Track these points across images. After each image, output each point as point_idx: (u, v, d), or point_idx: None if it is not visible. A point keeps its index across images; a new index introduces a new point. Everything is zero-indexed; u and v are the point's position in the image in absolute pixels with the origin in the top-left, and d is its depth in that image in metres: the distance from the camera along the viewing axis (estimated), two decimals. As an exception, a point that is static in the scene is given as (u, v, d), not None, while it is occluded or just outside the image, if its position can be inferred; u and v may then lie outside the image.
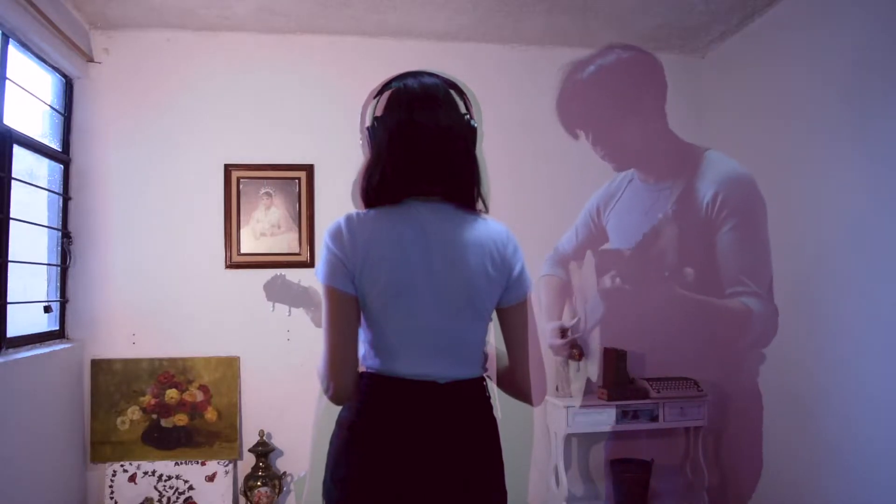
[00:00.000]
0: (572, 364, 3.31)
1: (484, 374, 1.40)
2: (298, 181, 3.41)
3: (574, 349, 3.40)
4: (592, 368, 3.10)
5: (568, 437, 3.42)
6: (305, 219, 3.41)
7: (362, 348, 1.34)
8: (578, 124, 2.98)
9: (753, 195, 2.55)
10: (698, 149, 2.59)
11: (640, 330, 3.61)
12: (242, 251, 3.36)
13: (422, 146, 1.30)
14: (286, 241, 3.40)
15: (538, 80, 3.65)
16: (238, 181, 3.37)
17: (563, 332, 3.22)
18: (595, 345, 3.08)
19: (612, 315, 3.57)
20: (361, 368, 1.34)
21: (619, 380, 3.40)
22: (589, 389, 3.50)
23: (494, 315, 1.40)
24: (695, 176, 2.62)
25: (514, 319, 1.38)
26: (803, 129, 2.99)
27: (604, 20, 3.32)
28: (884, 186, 2.57)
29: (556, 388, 3.41)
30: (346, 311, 1.28)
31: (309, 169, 3.42)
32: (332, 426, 1.36)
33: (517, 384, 1.40)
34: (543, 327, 3.36)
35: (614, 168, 2.91)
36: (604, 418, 3.29)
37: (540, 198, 3.59)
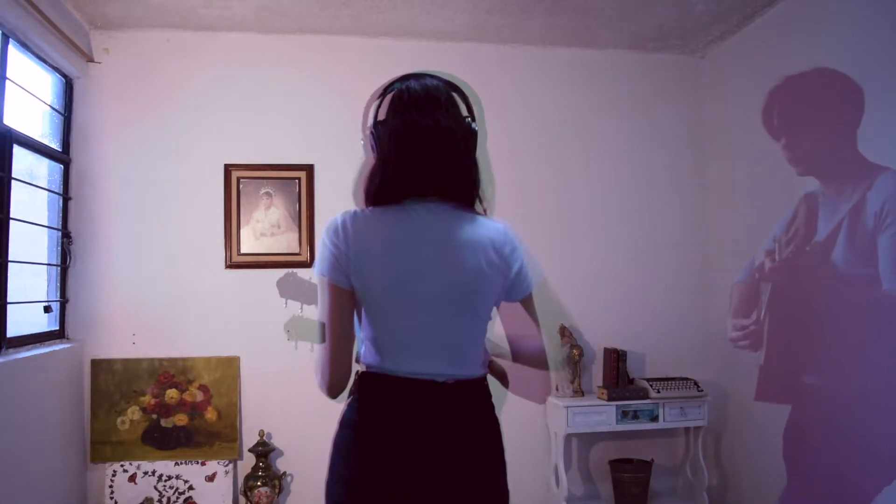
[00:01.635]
0: (748, 355, 3.41)
1: (486, 374, 1.41)
2: (298, 181, 3.41)
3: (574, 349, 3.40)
4: (763, 356, 3.27)
5: (568, 437, 3.42)
6: (305, 219, 3.41)
7: (363, 346, 1.34)
8: (781, 128, 3.06)
9: None
10: (880, 167, 2.65)
11: (641, 330, 3.61)
12: (242, 251, 3.36)
13: (423, 148, 1.31)
14: (286, 241, 3.40)
15: (538, 79, 3.65)
16: (238, 181, 3.37)
17: (742, 327, 3.40)
18: (765, 334, 3.24)
19: (618, 314, 3.60)
20: (362, 367, 1.34)
21: (619, 380, 3.40)
22: (589, 389, 3.51)
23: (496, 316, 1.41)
24: (870, 189, 2.67)
25: (526, 310, 1.42)
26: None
27: (604, 20, 3.32)
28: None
29: (556, 388, 3.41)
30: (342, 304, 1.30)
31: (309, 169, 3.42)
32: (332, 426, 1.36)
33: (540, 357, 1.43)
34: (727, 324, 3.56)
35: (798, 173, 2.99)
36: (604, 418, 3.29)
37: (540, 197, 3.59)
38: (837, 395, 2.77)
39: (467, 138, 1.35)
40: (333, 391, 1.31)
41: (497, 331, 1.48)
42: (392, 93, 1.35)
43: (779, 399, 3.10)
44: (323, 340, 1.30)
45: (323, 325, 1.30)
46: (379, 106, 1.36)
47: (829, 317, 2.83)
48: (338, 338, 1.29)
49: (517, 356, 1.46)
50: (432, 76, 1.38)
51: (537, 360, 1.43)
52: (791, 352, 3.06)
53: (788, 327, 3.09)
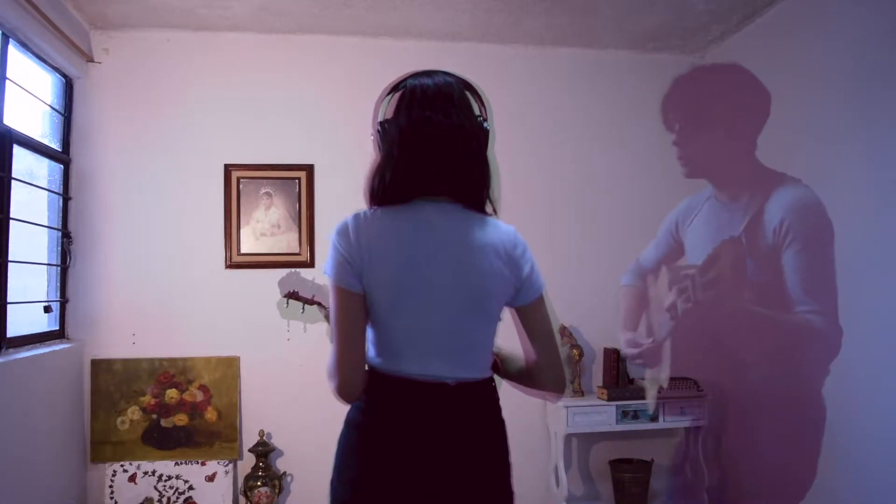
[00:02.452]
0: (648, 371, 3.36)
1: (493, 376, 1.40)
2: (298, 181, 3.41)
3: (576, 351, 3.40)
4: (664, 376, 3.18)
5: (568, 437, 3.42)
6: (305, 219, 3.40)
7: (370, 348, 1.33)
8: (676, 119, 3.04)
9: (821, 221, 2.66)
10: (777, 174, 2.68)
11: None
12: (242, 251, 3.36)
13: (434, 146, 1.29)
14: (286, 241, 3.40)
15: (538, 80, 3.65)
16: (238, 181, 3.37)
17: (635, 345, 3.30)
18: (667, 356, 3.15)
19: (614, 315, 3.59)
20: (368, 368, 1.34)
21: (619, 380, 3.40)
22: (589, 389, 3.51)
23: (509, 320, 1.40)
24: (767, 201, 2.69)
25: (536, 315, 1.38)
26: (803, 129, 2.99)
27: (604, 20, 3.32)
28: (885, 188, 2.56)
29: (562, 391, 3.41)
30: (354, 309, 1.28)
31: (309, 169, 3.42)
32: (332, 426, 1.36)
33: (555, 372, 1.38)
34: (619, 336, 3.51)
35: (685, 174, 2.98)
36: (604, 418, 3.29)
37: (539, 197, 3.59)
38: (753, 411, 2.79)
39: (479, 137, 1.34)
40: (347, 396, 1.30)
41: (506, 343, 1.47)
42: (403, 89, 1.33)
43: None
44: (335, 345, 1.29)
45: (335, 330, 1.29)
46: (389, 102, 1.34)
47: (743, 333, 2.86)
48: (350, 343, 1.28)
49: (530, 375, 1.41)
50: (445, 73, 1.37)
51: (552, 381, 1.39)
52: (703, 371, 3.06)
53: (698, 346, 3.09)
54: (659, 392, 3.28)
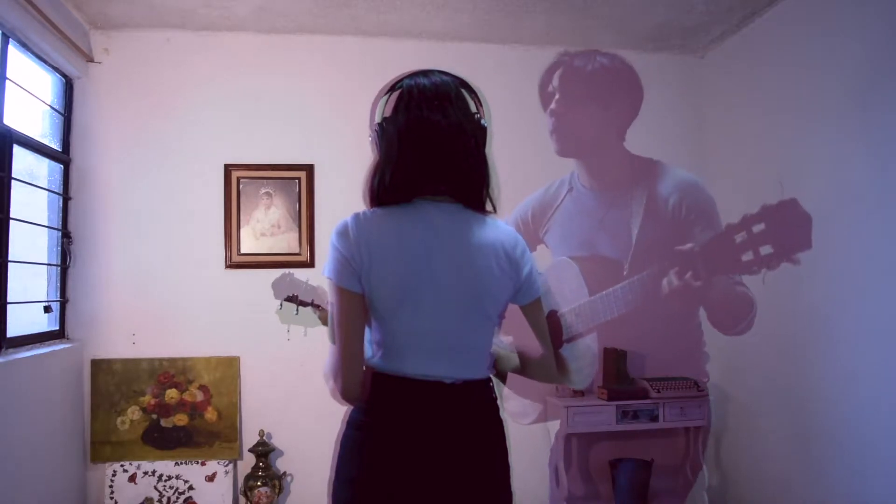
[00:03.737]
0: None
1: (491, 376, 1.40)
2: (298, 181, 3.41)
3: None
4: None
5: (568, 437, 3.41)
6: (305, 219, 3.40)
7: (369, 348, 1.33)
8: (549, 97, 3.13)
9: (707, 196, 2.93)
10: (649, 160, 2.84)
11: (641, 330, 3.61)
12: (242, 251, 3.36)
13: (432, 145, 1.29)
14: (286, 241, 3.40)
15: (538, 80, 3.65)
16: (238, 181, 3.37)
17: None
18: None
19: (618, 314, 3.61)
20: (366, 368, 1.34)
21: (619, 380, 3.40)
22: (589, 389, 3.51)
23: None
24: (654, 183, 2.84)
25: (534, 314, 1.41)
26: (804, 129, 2.99)
27: (603, 20, 3.32)
28: (886, 187, 2.56)
29: (556, 389, 3.41)
30: (354, 309, 1.28)
31: (309, 169, 3.42)
32: (332, 426, 1.35)
33: (549, 368, 1.42)
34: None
35: (556, 151, 3.08)
36: (604, 418, 3.28)
37: (540, 198, 3.59)
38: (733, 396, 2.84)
39: (478, 135, 1.34)
40: (348, 397, 1.30)
41: (505, 340, 1.47)
42: (400, 89, 1.33)
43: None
44: (335, 345, 1.29)
45: (335, 331, 1.29)
46: (386, 102, 1.34)
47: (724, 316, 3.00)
48: (350, 344, 1.28)
49: (525, 368, 1.44)
50: (441, 72, 1.37)
51: (546, 372, 1.43)
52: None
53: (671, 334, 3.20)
54: (598, 385, 3.37)
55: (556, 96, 3.08)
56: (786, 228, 2.77)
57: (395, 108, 1.32)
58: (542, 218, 3.14)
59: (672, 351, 3.20)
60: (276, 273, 1.92)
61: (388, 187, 1.31)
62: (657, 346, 3.20)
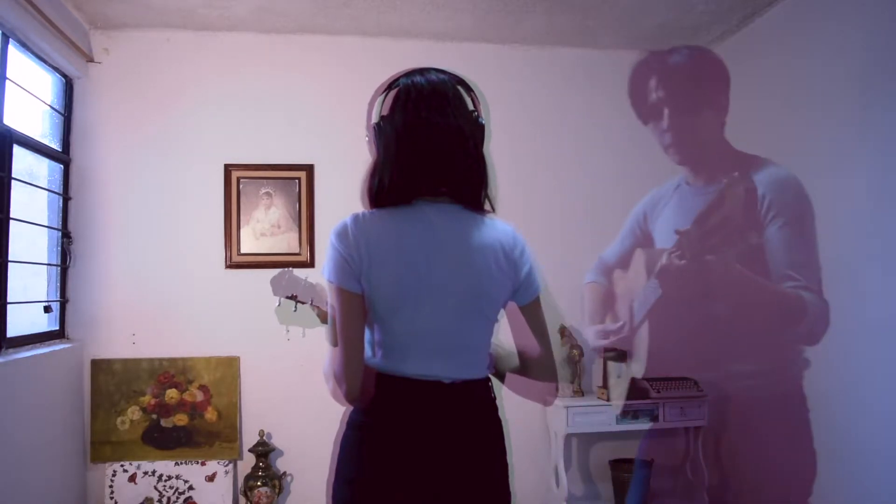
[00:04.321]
0: (613, 367, 3.32)
1: (490, 375, 1.40)
2: (298, 181, 3.41)
3: (574, 348, 3.40)
4: (638, 367, 3.15)
5: (568, 437, 3.41)
6: (305, 219, 3.40)
7: (368, 348, 1.33)
8: (654, 110, 3.02)
9: (801, 197, 2.67)
10: (750, 155, 2.68)
11: (640, 329, 3.61)
12: (242, 251, 3.36)
13: (431, 145, 1.29)
14: (286, 241, 3.40)
15: (538, 80, 3.65)
16: (238, 181, 3.37)
17: (606, 335, 3.28)
18: (643, 343, 3.12)
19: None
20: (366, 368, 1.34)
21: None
22: (589, 389, 3.51)
23: (504, 317, 1.40)
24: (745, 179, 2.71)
25: (533, 314, 1.40)
26: (804, 129, 2.99)
27: (604, 20, 3.32)
28: (886, 186, 2.56)
29: (556, 389, 3.41)
30: (354, 309, 1.28)
31: (309, 169, 3.42)
32: (332, 426, 1.35)
33: (549, 367, 1.42)
34: (586, 331, 3.48)
35: (677, 161, 2.97)
36: (604, 418, 3.28)
37: (539, 197, 3.59)
38: (734, 396, 2.76)
39: (475, 134, 1.33)
40: (348, 397, 1.30)
41: (506, 339, 1.47)
42: (397, 88, 1.32)
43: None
44: (335, 346, 1.29)
45: (334, 331, 1.29)
46: (383, 101, 1.33)
47: (731, 311, 2.85)
48: (350, 344, 1.28)
49: (525, 367, 1.44)
50: (438, 70, 1.36)
51: (545, 372, 1.42)
52: (676, 356, 3.03)
53: (670, 331, 3.06)
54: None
55: (666, 111, 2.98)
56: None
57: (393, 108, 1.31)
58: (652, 213, 3.11)
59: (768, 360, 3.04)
60: (283, 269, 1.92)
61: (387, 188, 1.30)
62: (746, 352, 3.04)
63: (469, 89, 1.36)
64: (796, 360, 2.68)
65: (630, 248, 3.16)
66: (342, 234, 1.28)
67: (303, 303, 1.84)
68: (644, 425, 3.32)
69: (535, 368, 1.42)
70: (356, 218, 1.29)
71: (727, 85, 2.71)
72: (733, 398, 3.49)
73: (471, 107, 1.34)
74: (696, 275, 3.03)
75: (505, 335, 1.47)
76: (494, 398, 1.38)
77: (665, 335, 3.14)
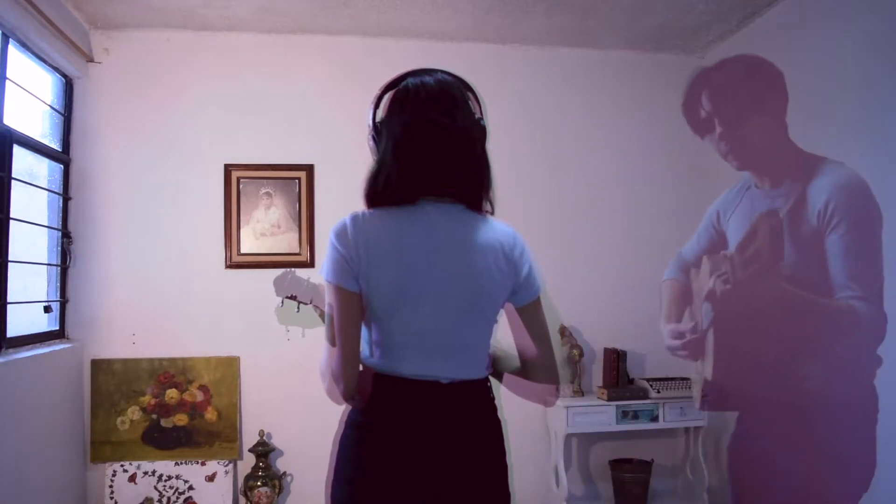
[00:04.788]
0: (693, 366, 3.33)
1: (488, 376, 1.40)
2: (298, 181, 3.41)
3: (574, 350, 3.40)
4: (708, 368, 3.15)
5: (568, 437, 3.42)
6: (305, 219, 3.40)
7: (366, 347, 1.33)
8: (706, 121, 2.97)
9: (868, 203, 2.53)
10: (816, 157, 2.60)
11: (641, 330, 3.61)
12: (242, 251, 3.36)
13: (437, 145, 1.28)
14: (286, 241, 3.40)
15: (538, 80, 3.65)
16: (238, 181, 3.37)
17: (679, 335, 3.28)
18: (710, 347, 3.11)
19: (618, 314, 3.58)
20: (364, 367, 1.34)
21: (619, 380, 3.40)
22: (589, 389, 3.51)
23: (503, 317, 1.40)
24: (809, 184, 2.61)
25: (533, 315, 1.39)
26: (804, 129, 2.99)
27: (604, 20, 3.32)
28: (886, 186, 2.56)
29: (557, 391, 3.40)
30: (351, 309, 1.28)
31: (309, 169, 3.42)
32: (332, 426, 1.36)
33: (549, 368, 1.41)
34: (662, 328, 3.46)
35: (736, 167, 2.92)
36: (604, 418, 3.29)
37: (539, 197, 3.59)
38: (793, 405, 2.71)
39: (480, 137, 1.34)
40: (345, 396, 1.30)
41: (507, 341, 1.47)
42: (405, 87, 1.32)
43: (729, 408, 3.04)
44: (333, 345, 1.29)
45: (331, 330, 1.29)
46: (390, 100, 1.33)
47: (780, 323, 2.78)
48: (348, 343, 1.28)
49: (525, 369, 1.42)
50: (443, 72, 1.36)
51: (546, 373, 1.41)
52: (740, 363, 3.00)
53: (736, 337, 3.03)
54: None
55: (717, 121, 2.93)
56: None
57: (401, 107, 1.30)
58: (724, 213, 3.09)
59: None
60: (277, 273, 1.92)
61: (392, 188, 1.30)
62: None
63: (472, 92, 1.37)
64: (863, 361, 2.58)
65: (707, 246, 3.16)
66: (341, 234, 1.28)
67: (304, 303, 1.84)
68: (644, 425, 3.32)
69: (535, 370, 1.41)
70: (355, 217, 1.29)
71: (781, 87, 2.63)
72: (733, 398, 3.48)
73: (474, 109, 1.35)
74: (744, 296, 2.99)
75: (505, 336, 1.46)
76: (494, 398, 1.38)
77: (726, 343, 3.08)
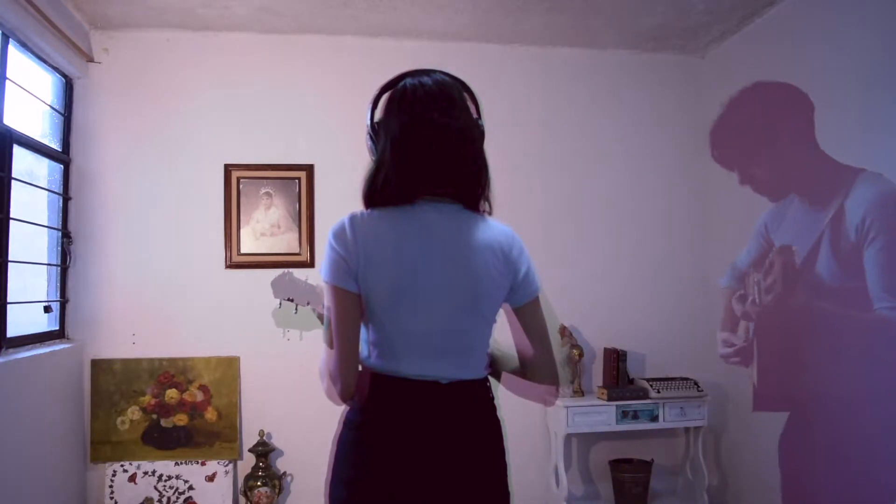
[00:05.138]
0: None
1: (488, 375, 1.40)
2: (298, 181, 3.41)
3: (574, 348, 3.40)
4: (754, 374, 3.21)
5: (568, 437, 3.41)
6: (305, 219, 3.40)
7: (364, 348, 1.33)
8: (730, 163, 3.04)
9: None
10: (853, 169, 2.60)
11: (641, 330, 3.61)
12: (242, 251, 3.36)
13: (434, 145, 1.29)
14: (286, 241, 3.40)
15: (538, 80, 3.65)
16: (238, 181, 3.37)
17: (729, 344, 3.35)
18: (755, 354, 3.21)
19: (618, 314, 3.59)
20: (362, 367, 1.34)
21: (619, 380, 3.40)
22: (589, 389, 3.51)
23: (503, 317, 1.40)
24: (847, 198, 2.62)
25: (531, 315, 1.39)
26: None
27: (604, 20, 3.32)
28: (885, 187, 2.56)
29: (557, 391, 3.40)
30: (350, 309, 1.28)
31: (309, 169, 3.42)
32: (332, 426, 1.35)
33: (549, 369, 1.40)
34: (717, 336, 3.59)
35: (769, 199, 2.97)
36: (604, 418, 3.28)
37: (538, 197, 3.59)
38: (832, 411, 2.73)
39: (478, 137, 1.34)
40: (342, 397, 1.30)
41: (507, 341, 1.46)
42: (403, 87, 1.32)
43: (777, 409, 3.09)
44: (331, 346, 1.29)
45: (330, 331, 1.29)
46: (388, 100, 1.33)
47: (820, 334, 2.81)
48: (346, 344, 1.28)
49: (525, 369, 1.41)
50: (442, 73, 1.36)
51: (546, 375, 1.40)
52: (783, 371, 3.04)
53: (778, 347, 3.08)
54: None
55: (741, 156, 2.94)
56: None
57: (398, 108, 1.31)
58: (772, 224, 3.13)
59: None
60: (276, 273, 1.92)
61: (390, 188, 1.30)
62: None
63: (471, 93, 1.37)
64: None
65: (757, 256, 3.22)
66: (339, 234, 1.28)
67: (302, 305, 1.83)
68: (644, 425, 3.32)
69: (535, 371, 1.41)
70: (354, 217, 1.29)
71: (806, 106, 2.62)
72: (733, 398, 3.49)
73: (472, 110, 1.35)
74: (776, 315, 3.05)
75: (505, 336, 1.46)
76: (493, 398, 1.38)
77: (769, 352, 3.14)
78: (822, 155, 2.66)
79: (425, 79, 1.33)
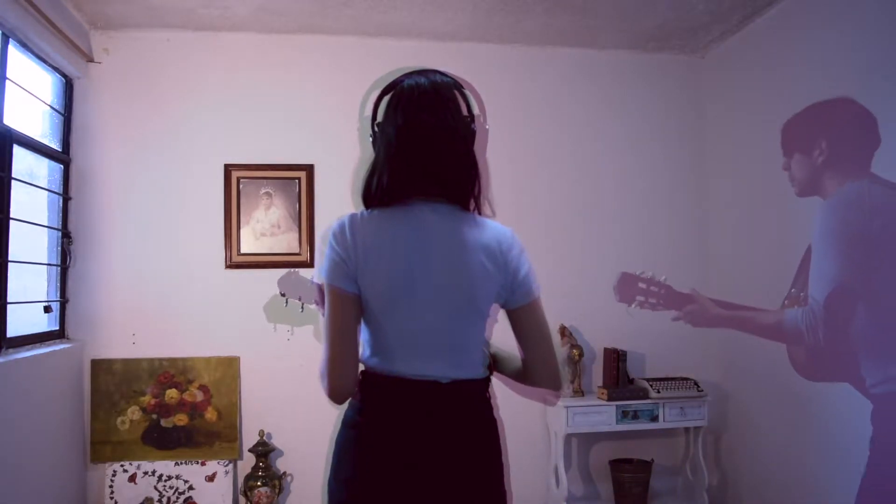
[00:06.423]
0: None
1: (488, 376, 1.40)
2: (298, 181, 3.41)
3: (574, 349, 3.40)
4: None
5: (568, 437, 3.41)
6: (305, 219, 3.40)
7: (363, 348, 1.34)
8: (794, 149, 3.02)
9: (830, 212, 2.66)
10: (841, 172, 2.66)
11: (641, 330, 3.61)
12: (242, 251, 3.36)
13: (423, 145, 1.30)
14: (286, 241, 3.40)
15: (538, 80, 3.65)
16: (238, 181, 3.37)
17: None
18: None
19: (618, 314, 3.58)
20: (361, 368, 1.34)
21: (619, 380, 3.40)
22: (589, 389, 3.51)
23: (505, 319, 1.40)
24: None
25: (531, 317, 1.38)
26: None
27: (604, 20, 3.32)
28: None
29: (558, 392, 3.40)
30: (348, 309, 1.28)
31: (309, 169, 3.42)
32: (331, 426, 1.36)
33: (551, 373, 1.39)
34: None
35: (796, 192, 2.97)
36: (604, 418, 3.28)
37: (539, 197, 3.59)
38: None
39: (467, 138, 1.35)
40: (340, 397, 1.30)
41: (508, 342, 1.46)
42: (399, 90, 1.34)
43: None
44: (329, 345, 1.29)
45: (329, 331, 1.29)
46: (386, 104, 1.35)
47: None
48: (344, 344, 1.29)
49: (527, 372, 1.41)
50: (440, 73, 1.37)
51: (547, 377, 1.40)
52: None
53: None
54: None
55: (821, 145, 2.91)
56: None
57: (394, 110, 1.32)
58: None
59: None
60: (277, 273, 1.93)
61: (384, 189, 1.31)
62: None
63: (463, 93, 1.38)
64: None
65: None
66: (338, 234, 1.29)
67: (308, 303, 1.85)
68: (644, 425, 3.32)
69: (537, 375, 1.40)
70: (352, 218, 1.30)
71: (874, 138, 2.61)
72: (733, 398, 3.49)
73: (466, 112, 1.35)
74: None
75: (506, 337, 1.46)
76: (489, 398, 1.38)
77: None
78: (868, 174, 2.64)
79: (422, 79, 1.34)
